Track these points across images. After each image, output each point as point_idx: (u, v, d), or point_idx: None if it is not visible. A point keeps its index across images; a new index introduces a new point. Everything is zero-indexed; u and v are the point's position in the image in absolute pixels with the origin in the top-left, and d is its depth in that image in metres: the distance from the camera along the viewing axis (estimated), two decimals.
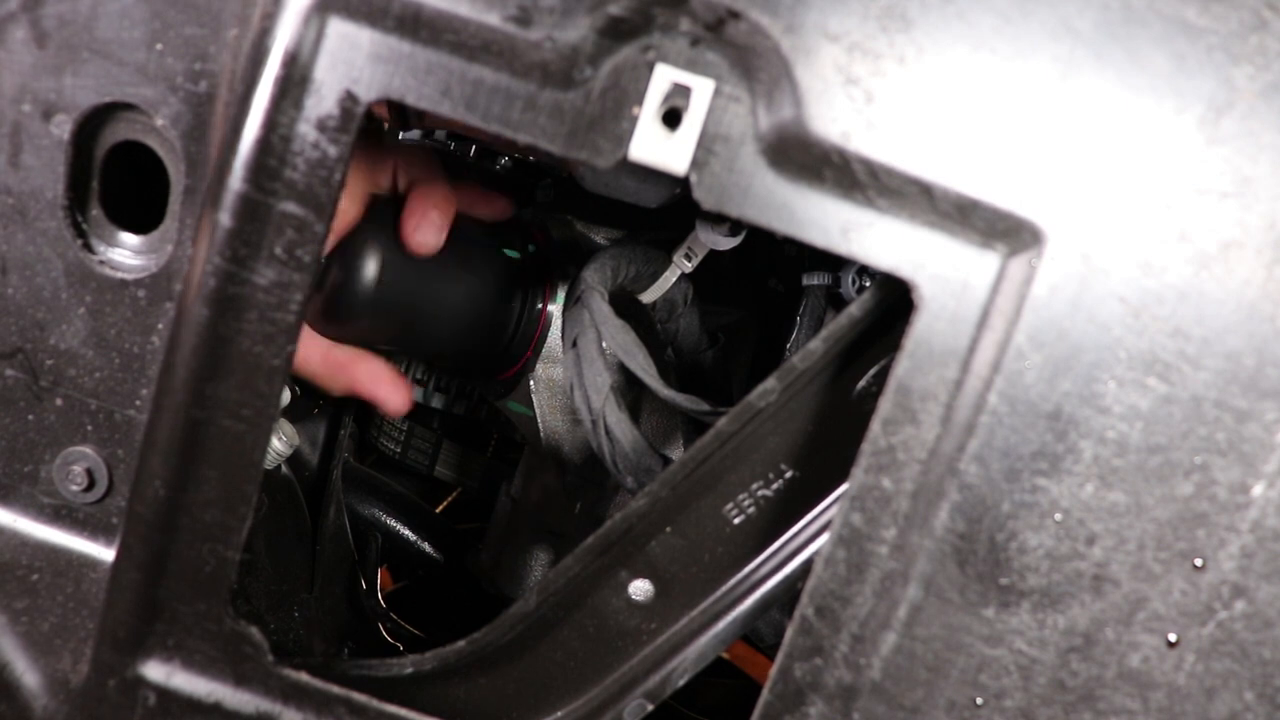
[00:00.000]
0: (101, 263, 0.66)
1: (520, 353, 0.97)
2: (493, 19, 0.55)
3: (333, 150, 0.57)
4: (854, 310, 0.65)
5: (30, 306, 0.67)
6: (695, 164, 0.56)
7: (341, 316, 0.84)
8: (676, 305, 1.04)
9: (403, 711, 0.67)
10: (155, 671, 0.66)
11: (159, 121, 0.62)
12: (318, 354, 0.86)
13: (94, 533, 0.71)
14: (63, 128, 0.63)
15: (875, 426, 0.57)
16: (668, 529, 0.72)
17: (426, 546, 1.34)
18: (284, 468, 1.01)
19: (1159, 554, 0.56)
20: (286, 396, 0.94)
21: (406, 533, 1.33)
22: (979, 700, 0.59)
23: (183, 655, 0.66)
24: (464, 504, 1.58)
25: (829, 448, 0.70)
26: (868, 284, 0.91)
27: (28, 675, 0.71)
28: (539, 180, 1.10)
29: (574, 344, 0.88)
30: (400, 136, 1.25)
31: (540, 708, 0.74)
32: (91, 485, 0.69)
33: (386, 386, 0.87)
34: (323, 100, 0.56)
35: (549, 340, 0.97)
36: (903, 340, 0.56)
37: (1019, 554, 0.57)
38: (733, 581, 0.74)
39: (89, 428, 0.69)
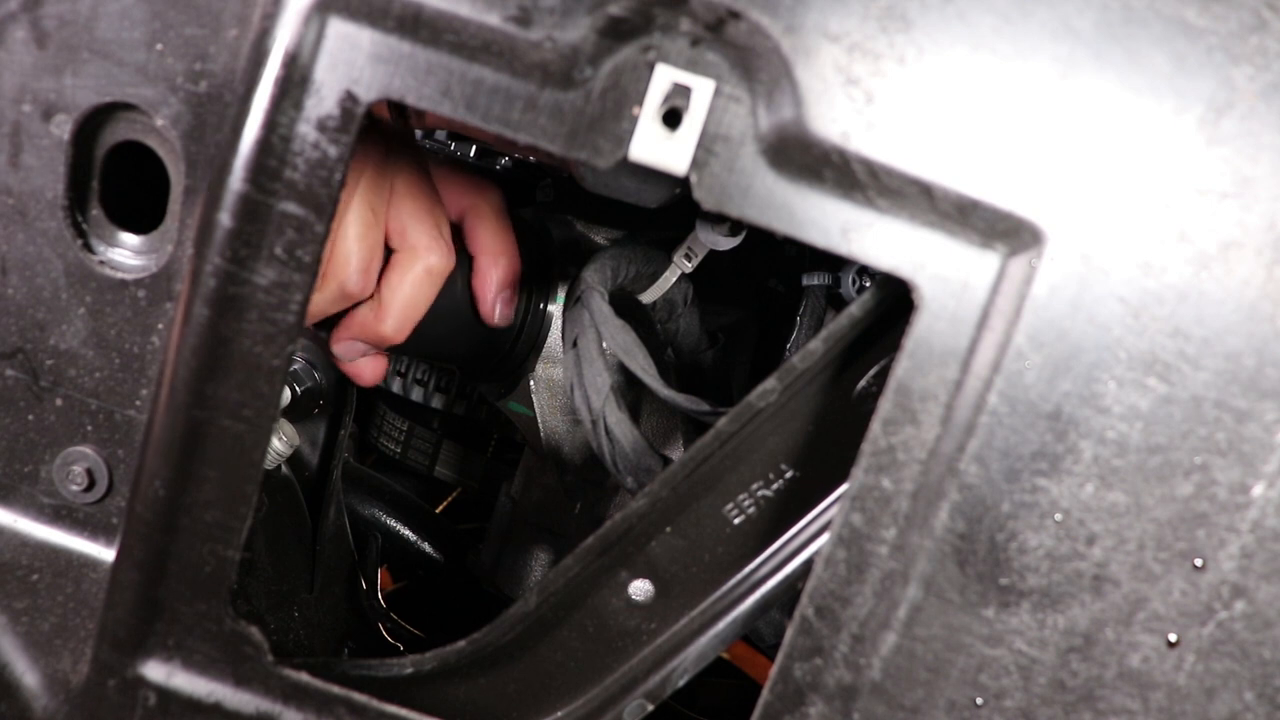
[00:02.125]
0: (101, 263, 0.66)
1: (524, 354, 0.97)
2: (493, 19, 0.55)
3: (333, 151, 0.57)
4: (854, 310, 0.65)
5: (30, 306, 0.67)
6: (695, 164, 0.56)
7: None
8: (676, 305, 1.04)
9: (403, 711, 0.67)
10: (155, 671, 0.66)
11: (159, 121, 0.62)
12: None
13: (94, 533, 0.71)
14: (63, 128, 0.63)
15: (875, 426, 0.57)
16: (668, 529, 0.72)
17: (426, 546, 1.34)
18: (284, 468, 1.01)
19: (1159, 554, 0.56)
20: (286, 396, 0.94)
21: (406, 533, 1.33)
22: (979, 700, 0.59)
23: (183, 655, 0.66)
24: (464, 504, 1.58)
25: (829, 448, 0.70)
26: (868, 284, 0.91)
27: (28, 675, 0.71)
28: (539, 180, 1.11)
29: (574, 344, 0.88)
30: None
31: (540, 708, 0.74)
32: (91, 485, 0.69)
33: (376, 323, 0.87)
34: (323, 100, 0.56)
35: (549, 340, 0.97)
36: (903, 340, 0.56)
37: (1019, 554, 0.57)
38: (733, 581, 0.74)
39: (89, 428, 0.69)
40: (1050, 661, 0.58)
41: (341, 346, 0.81)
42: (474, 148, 1.25)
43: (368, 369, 0.87)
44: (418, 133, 1.27)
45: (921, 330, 0.56)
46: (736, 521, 0.73)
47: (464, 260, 0.86)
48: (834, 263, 0.96)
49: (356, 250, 0.74)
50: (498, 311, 0.88)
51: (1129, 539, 0.56)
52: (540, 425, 1.00)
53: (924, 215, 0.55)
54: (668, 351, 1.06)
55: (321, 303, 0.76)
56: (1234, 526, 0.56)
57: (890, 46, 0.53)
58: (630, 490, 0.85)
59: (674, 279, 0.98)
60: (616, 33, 0.55)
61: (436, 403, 1.46)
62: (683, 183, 0.57)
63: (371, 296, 0.79)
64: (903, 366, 0.56)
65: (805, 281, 0.98)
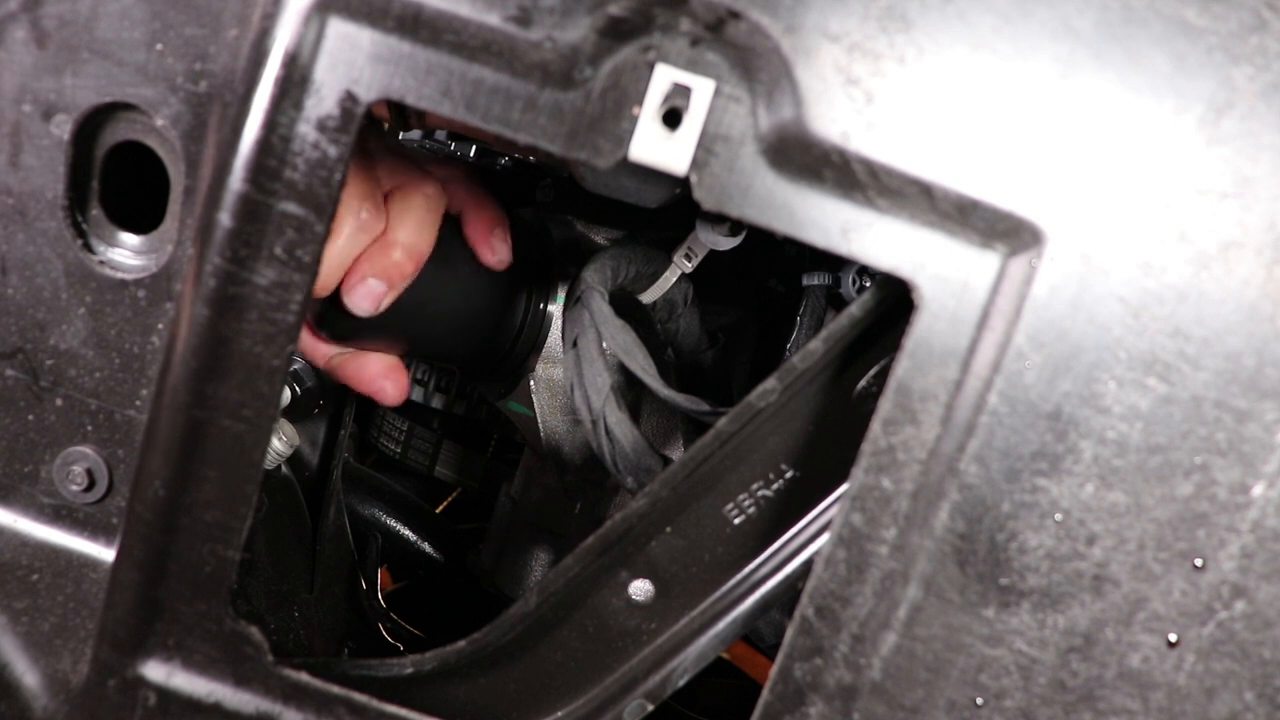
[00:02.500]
0: (101, 263, 0.66)
1: (524, 354, 0.97)
2: (493, 19, 0.55)
3: (333, 150, 0.57)
4: (854, 310, 0.65)
5: (30, 306, 0.67)
6: (695, 164, 0.56)
7: (338, 337, 0.84)
8: (676, 305, 1.04)
9: (403, 711, 0.67)
10: (155, 671, 0.66)
11: (159, 121, 0.62)
12: (321, 358, 0.86)
13: (94, 533, 0.71)
14: (63, 128, 0.63)
15: (875, 426, 0.57)
16: (668, 529, 0.72)
17: (426, 546, 1.34)
18: (284, 468, 1.01)
19: (1159, 554, 0.56)
20: (286, 396, 0.94)
21: (406, 533, 1.33)
22: (979, 700, 0.59)
23: (183, 655, 0.66)
24: (464, 504, 1.59)
25: (829, 448, 0.70)
26: (868, 284, 0.91)
27: (28, 675, 0.71)
28: (539, 180, 1.11)
29: (574, 344, 0.88)
30: (400, 137, 1.25)
31: (540, 708, 0.74)
32: (91, 485, 0.69)
33: (381, 381, 0.86)
34: (323, 100, 0.56)
35: (549, 340, 0.97)
36: (903, 340, 0.56)
37: (1019, 554, 0.57)
38: (733, 581, 0.74)
39: (89, 428, 0.69)
40: (1050, 661, 0.58)
41: (356, 292, 0.77)
42: (474, 148, 1.25)
43: (390, 385, 0.86)
44: (417, 133, 1.27)
45: (921, 330, 0.56)
46: (736, 521, 0.73)
47: (458, 251, 0.86)
48: (834, 263, 0.96)
49: (356, 182, 0.73)
50: (497, 252, 0.86)
51: (1129, 539, 0.56)
52: (540, 425, 1.00)
53: (924, 215, 0.55)
54: (668, 351, 1.06)
55: (344, 247, 0.74)
56: (1234, 526, 0.56)
57: (890, 46, 0.53)
58: (630, 490, 0.85)
59: (674, 279, 0.98)
60: (616, 33, 0.55)
61: (436, 403, 1.47)
62: (683, 183, 0.57)
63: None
64: (903, 366, 0.56)
65: (805, 281, 0.98)
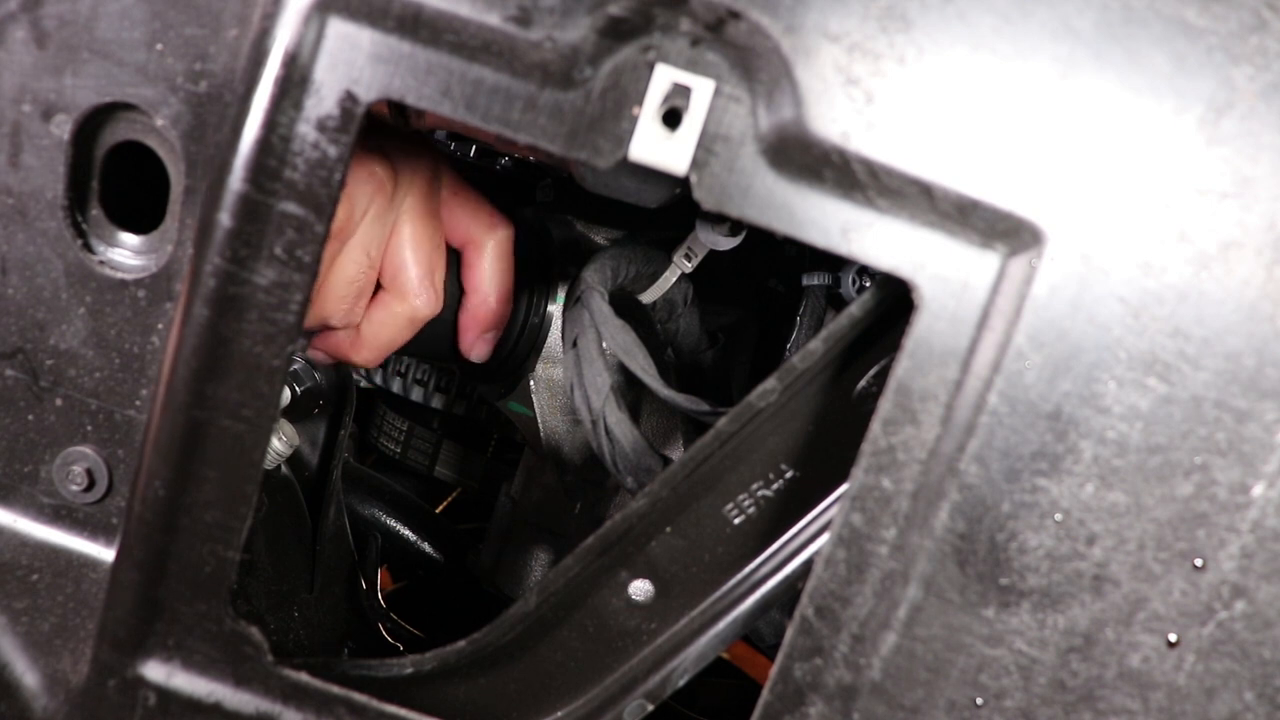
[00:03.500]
0: (101, 263, 0.66)
1: (524, 354, 0.97)
2: (493, 19, 0.55)
3: (333, 150, 0.57)
4: (854, 310, 0.65)
5: (30, 306, 0.67)
6: (695, 164, 0.56)
7: None
8: (676, 305, 1.04)
9: (403, 711, 0.67)
10: (155, 671, 0.66)
11: (159, 121, 0.62)
12: None
13: (94, 533, 0.71)
14: (63, 128, 0.63)
15: (875, 426, 0.57)
16: (668, 529, 0.72)
17: (426, 546, 1.34)
18: (284, 468, 1.01)
19: (1159, 554, 0.56)
20: (286, 396, 0.94)
21: (406, 533, 1.33)
22: (979, 700, 0.59)
23: (183, 655, 0.66)
24: (464, 504, 1.59)
25: (829, 448, 0.70)
26: (868, 284, 0.91)
27: (28, 675, 0.71)
28: (539, 180, 1.10)
29: (574, 344, 0.88)
30: None
31: (540, 708, 0.74)
32: (91, 485, 0.69)
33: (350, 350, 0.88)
34: (323, 100, 0.56)
35: (549, 340, 0.97)
36: (903, 340, 0.56)
37: (1019, 554, 0.57)
38: (733, 581, 0.74)
39: (89, 428, 0.69)
40: (1050, 661, 0.58)
41: (313, 354, 0.84)
42: (474, 148, 1.25)
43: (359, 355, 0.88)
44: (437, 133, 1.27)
45: (921, 330, 0.56)
46: (736, 521, 0.73)
47: (458, 256, 0.86)
48: (834, 263, 0.96)
49: (347, 294, 0.75)
50: (475, 351, 0.90)
51: (1129, 539, 0.56)
52: (540, 425, 1.00)
53: (924, 215, 0.55)
54: (668, 351, 1.06)
55: (309, 323, 0.77)
56: (1234, 526, 0.56)
57: (890, 46, 0.53)
58: (630, 490, 0.85)
59: (674, 279, 0.98)
60: (616, 33, 0.55)
61: (436, 403, 1.47)
62: (683, 183, 0.57)
63: None
64: (903, 366, 0.56)
65: (805, 281, 0.98)
